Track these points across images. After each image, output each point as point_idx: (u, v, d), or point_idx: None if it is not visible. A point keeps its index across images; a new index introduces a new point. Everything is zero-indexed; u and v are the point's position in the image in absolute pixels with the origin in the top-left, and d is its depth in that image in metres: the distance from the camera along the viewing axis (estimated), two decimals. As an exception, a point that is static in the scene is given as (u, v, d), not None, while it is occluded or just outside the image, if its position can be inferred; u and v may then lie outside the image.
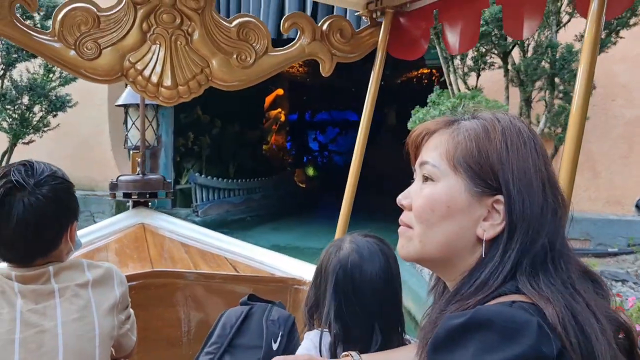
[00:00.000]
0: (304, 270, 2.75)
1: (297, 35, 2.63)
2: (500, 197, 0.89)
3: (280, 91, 21.79)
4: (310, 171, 23.17)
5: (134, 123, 3.19)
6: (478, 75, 6.42)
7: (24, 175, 1.40)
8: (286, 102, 23.02)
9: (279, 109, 22.51)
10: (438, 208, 0.93)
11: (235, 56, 2.50)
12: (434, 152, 0.96)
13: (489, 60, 7.38)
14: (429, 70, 20.04)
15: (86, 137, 12.54)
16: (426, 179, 0.96)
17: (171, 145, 14.27)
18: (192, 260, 2.71)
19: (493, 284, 0.86)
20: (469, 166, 0.91)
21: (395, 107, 24.64)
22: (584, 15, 1.79)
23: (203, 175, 14.57)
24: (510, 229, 0.88)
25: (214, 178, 14.89)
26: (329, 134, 28.07)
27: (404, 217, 0.99)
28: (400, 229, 1.00)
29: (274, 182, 17.30)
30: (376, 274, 1.50)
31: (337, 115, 26.97)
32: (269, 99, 21.28)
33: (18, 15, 2.26)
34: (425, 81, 20.93)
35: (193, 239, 2.91)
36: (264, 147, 21.13)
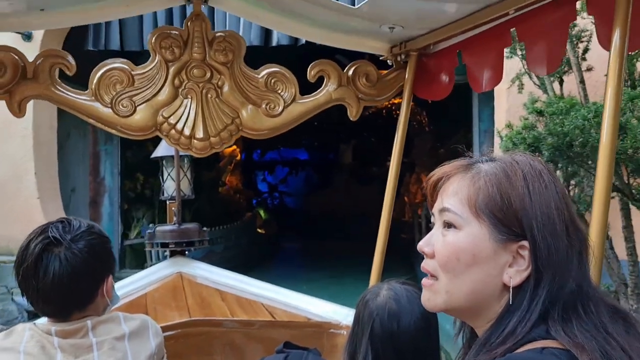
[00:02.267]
0: (340, 314, 2.73)
1: (324, 82, 2.69)
2: (525, 243, 0.89)
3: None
4: (263, 214, 21.10)
5: (169, 174, 3.29)
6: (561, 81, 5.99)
7: (61, 232, 1.46)
8: (240, 138, 23.21)
9: (234, 146, 20.11)
10: (463, 257, 0.92)
11: (264, 106, 2.56)
12: (454, 198, 0.95)
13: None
14: (389, 104, 19.40)
15: (3, 181, 9.15)
16: (448, 225, 0.95)
17: (117, 189, 11.43)
18: (229, 308, 2.73)
19: (522, 331, 0.85)
20: (492, 213, 0.90)
21: (352, 144, 24.19)
22: (606, 47, 1.79)
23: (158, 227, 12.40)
24: (537, 274, 0.88)
25: None
26: (278, 174, 26.58)
27: (427, 266, 0.98)
28: (425, 281, 0.99)
29: (235, 230, 15.24)
30: (414, 324, 1.47)
31: (286, 154, 25.75)
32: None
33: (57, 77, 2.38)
34: (396, 112, 20.26)
35: (229, 286, 2.94)
36: (220, 189, 19.02)
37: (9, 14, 2.26)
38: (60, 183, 9.89)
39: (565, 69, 5.34)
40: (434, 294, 0.97)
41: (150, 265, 10.66)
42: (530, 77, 5.58)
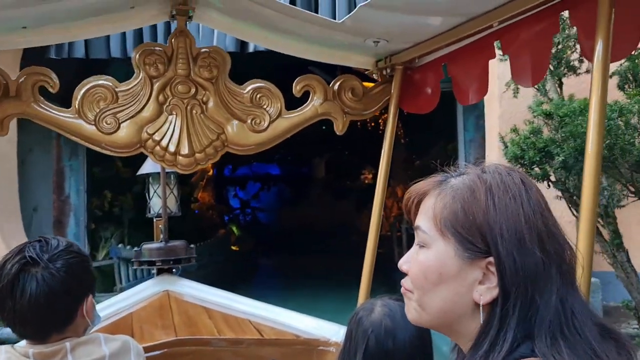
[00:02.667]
0: (329, 331, 2.70)
1: (310, 97, 2.68)
2: (492, 259, 0.85)
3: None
4: (236, 231, 20.42)
5: (155, 191, 3.26)
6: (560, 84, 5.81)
7: (38, 251, 1.43)
8: None
9: None
10: (430, 275, 0.91)
11: (249, 121, 2.55)
12: (424, 216, 0.94)
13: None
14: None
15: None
16: (421, 244, 0.94)
17: (83, 207, 10.58)
18: (216, 326, 2.69)
19: (501, 350, 0.82)
20: (456, 230, 0.88)
21: (326, 158, 24.11)
22: (589, 58, 1.79)
23: (128, 247, 10.74)
24: (504, 290, 0.84)
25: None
26: (250, 189, 26.17)
27: (404, 282, 0.98)
28: (402, 290, 0.99)
29: (209, 247, 14.56)
30: (409, 341, 1.44)
31: (258, 169, 25.36)
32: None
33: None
34: (370, 125, 19.98)
35: (216, 304, 2.89)
36: (192, 205, 17.93)
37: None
38: (20, 202, 9.36)
39: (565, 71, 5.22)
40: (411, 308, 0.97)
41: (120, 288, 9.53)
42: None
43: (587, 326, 0.84)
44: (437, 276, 0.90)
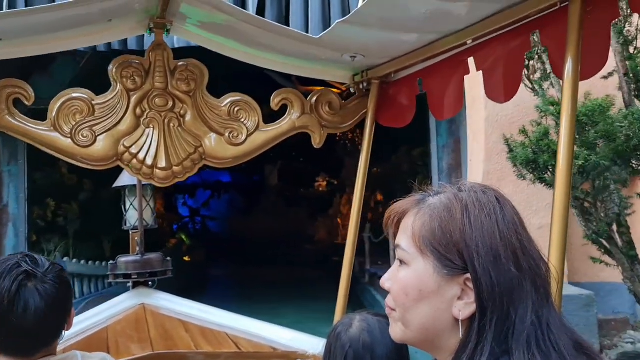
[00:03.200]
0: (306, 343, 2.71)
1: (287, 110, 2.71)
2: (469, 275, 0.88)
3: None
4: (185, 240, 19.17)
5: (132, 204, 3.24)
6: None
7: (31, 265, 1.42)
8: None
9: None
10: (411, 292, 0.93)
11: (227, 134, 2.56)
12: (404, 235, 0.97)
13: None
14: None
15: None
16: (400, 262, 0.97)
17: (23, 217, 9.31)
18: (193, 340, 2.67)
19: None
20: (434, 247, 0.91)
21: (279, 165, 23.54)
22: (559, 76, 1.85)
23: (74, 260, 9.93)
24: (481, 307, 0.87)
25: (89, 262, 9.98)
26: (200, 197, 25.14)
27: (387, 300, 1.00)
28: (387, 310, 1.01)
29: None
30: (387, 357, 1.46)
31: (208, 177, 24.16)
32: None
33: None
34: None
35: (193, 317, 2.88)
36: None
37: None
38: (-49, 211, 8.36)
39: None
40: (394, 326, 0.99)
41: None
42: (523, 81, 4.78)
43: (562, 340, 0.86)
44: (418, 293, 0.92)
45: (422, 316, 0.93)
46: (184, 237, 19.46)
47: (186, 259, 17.22)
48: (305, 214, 22.39)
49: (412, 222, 0.96)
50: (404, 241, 0.96)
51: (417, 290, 0.92)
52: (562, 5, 1.84)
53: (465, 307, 0.89)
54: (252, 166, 23.31)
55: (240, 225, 22.72)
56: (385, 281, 1.00)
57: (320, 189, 23.20)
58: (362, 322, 1.52)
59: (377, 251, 11.82)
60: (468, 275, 0.88)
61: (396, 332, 0.99)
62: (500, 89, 2.24)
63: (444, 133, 8.49)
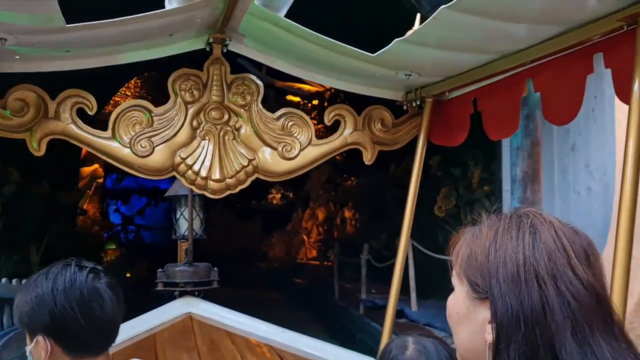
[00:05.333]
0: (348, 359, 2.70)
1: (340, 126, 2.72)
2: None
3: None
4: (115, 251, 16.66)
5: (182, 214, 3.30)
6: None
7: (90, 264, 1.45)
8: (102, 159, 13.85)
9: (96, 165, 15.78)
10: (452, 315, 0.98)
11: (280, 148, 2.59)
12: (455, 263, 1.00)
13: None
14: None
15: None
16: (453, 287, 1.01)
17: None
18: (238, 351, 2.69)
19: None
20: (465, 272, 0.94)
21: None
22: (625, 100, 1.81)
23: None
24: (497, 330, 0.86)
25: (14, 281, 6.88)
26: (134, 204, 22.47)
27: None
28: None
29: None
30: None
31: (144, 181, 21.24)
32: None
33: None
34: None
35: (239, 328, 2.90)
36: (78, 219, 14.30)
37: (37, 56, 2.31)
38: None
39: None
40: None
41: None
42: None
43: None
44: (456, 316, 0.96)
45: (462, 339, 0.96)
46: (112, 246, 16.87)
47: (128, 275, 14.63)
48: (257, 229, 20.05)
49: (457, 249, 0.99)
50: (454, 268, 1.00)
51: (455, 313, 0.96)
52: (629, 28, 1.80)
53: (492, 331, 0.89)
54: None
55: None
56: None
57: (274, 201, 20.79)
58: (418, 344, 1.50)
59: (376, 277, 9.64)
60: None
61: (457, 355, 1.01)
62: (560, 112, 2.20)
63: (519, 132, 6.25)
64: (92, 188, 16.04)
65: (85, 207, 15.17)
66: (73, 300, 1.36)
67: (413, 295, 8.31)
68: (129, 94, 18.81)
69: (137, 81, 19.05)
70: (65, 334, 1.38)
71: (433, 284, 8.58)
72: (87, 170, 15.51)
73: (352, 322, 9.74)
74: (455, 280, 0.98)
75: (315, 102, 15.90)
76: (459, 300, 0.95)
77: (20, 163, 8.69)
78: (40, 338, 1.38)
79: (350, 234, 15.53)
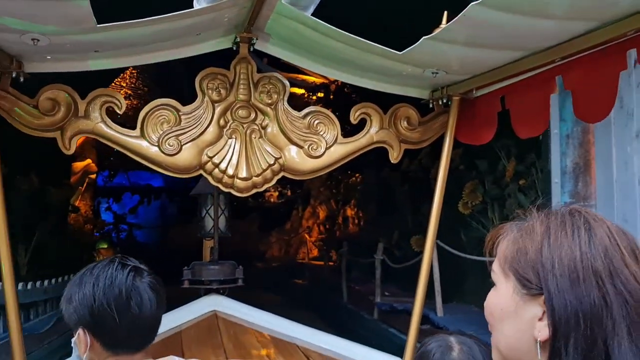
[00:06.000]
0: (376, 359, 2.69)
1: (366, 124, 2.72)
2: None
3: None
4: (108, 250, 15.62)
5: (207, 212, 3.32)
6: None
7: (134, 263, 1.47)
8: (94, 150, 14.69)
9: (89, 160, 14.84)
10: (495, 312, 0.95)
11: (306, 147, 2.59)
12: (496, 259, 0.98)
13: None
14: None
15: None
16: (493, 283, 0.98)
17: None
18: (265, 349, 2.70)
19: None
20: (514, 268, 0.92)
21: None
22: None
23: None
24: (554, 328, 0.85)
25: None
26: (126, 202, 21.97)
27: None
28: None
29: None
30: None
31: (136, 179, 21.58)
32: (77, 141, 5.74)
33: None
34: None
35: (264, 327, 2.91)
36: (69, 216, 13.40)
37: (67, 56, 2.34)
38: None
39: None
40: (492, 348, 1.00)
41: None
42: None
43: None
44: (500, 312, 0.94)
45: (505, 336, 0.94)
46: (106, 246, 16.11)
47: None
48: (254, 228, 19.38)
49: (503, 244, 0.97)
50: (495, 264, 0.98)
51: (499, 309, 0.94)
52: (665, 23, 1.77)
53: (544, 329, 0.87)
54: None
55: (175, 237, 18.98)
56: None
57: (272, 199, 20.26)
58: (462, 344, 1.45)
59: (389, 278, 9.37)
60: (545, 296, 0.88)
61: (494, 354, 0.99)
62: (591, 110, 2.17)
63: (568, 117, 5.44)
64: (85, 184, 15.01)
65: (77, 204, 14.41)
66: (111, 298, 1.39)
67: (438, 299, 7.65)
68: (124, 84, 18.32)
69: (133, 71, 18.79)
70: (102, 331, 1.41)
71: (456, 285, 8.21)
72: (79, 165, 14.48)
73: (365, 328, 8.91)
74: (497, 277, 0.96)
75: (320, 94, 15.47)
76: (504, 297, 0.93)
77: (6, 153, 7.40)
78: (81, 332, 1.42)
79: (357, 233, 14.89)
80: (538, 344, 0.87)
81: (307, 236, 17.34)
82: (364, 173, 14.33)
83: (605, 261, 0.86)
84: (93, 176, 15.65)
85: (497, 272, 0.96)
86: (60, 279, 8.63)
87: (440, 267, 7.74)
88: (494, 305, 0.95)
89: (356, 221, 15.55)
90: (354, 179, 15.74)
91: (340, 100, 12.91)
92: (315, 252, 16.93)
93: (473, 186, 8.17)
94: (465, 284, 8.14)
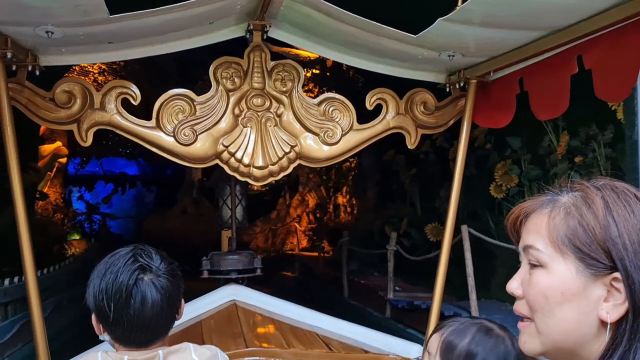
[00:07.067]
0: (397, 347, 2.67)
1: (382, 110, 2.69)
2: (618, 275, 0.83)
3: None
4: (80, 242, 14.32)
5: (224, 202, 3.32)
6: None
7: (145, 259, 1.46)
8: (64, 133, 12.58)
9: (59, 142, 13.18)
10: (551, 295, 0.88)
11: (322, 134, 2.57)
12: (536, 235, 0.91)
13: None
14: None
15: None
16: (534, 264, 0.91)
17: None
18: (284, 338, 2.69)
19: None
20: (576, 247, 0.86)
21: None
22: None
23: None
24: (634, 306, 0.81)
25: None
26: (100, 191, 20.79)
27: (518, 307, 0.94)
28: (520, 324, 0.94)
29: (66, 274, 8.83)
30: None
31: (110, 167, 20.67)
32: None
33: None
34: None
35: (284, 316, 2.90)
36: (36, 204, 12.00)
37: (82, 48, 2.35)
38: None
39: None
40: (530, 337, 0.92)
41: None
42: None
43: None
44: (560, 295, 0.87)
45: (564, 320, 0.87)
46: (78, 237, 14.84)
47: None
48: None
49: (545, 221, 0.90)
50: (537, 241, 0.90)
51: (558, 292, 0.87)
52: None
53: (614, 309, 0.83)
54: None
55: (152, 229, 17.72)
56: (517, 288, 0.94)
57: (254, 187, 17.41)
58: (505, 330, 1.35)
59: (400, 272, 8.09)
60: (615, 275, 0.83)
61: (535, 344, 0.92)
62: (612, 89, 2.12)
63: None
64: (54, 169, 13.35)
65: (45, 190, 13.02)
66: (112, 295, 1.40)
67: (473, 296, 6.27)
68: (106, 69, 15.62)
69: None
70: (107, 324, 1.44)
71: (485, 279, 6.96)
72: (47, 148, 12.71)
73: (376, 327, 6.12)
74: (547, 257, 0.88)
75: (316, 70, 13.50)
76: (564, 278, 0.86)
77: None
78: (93, 317, 1.46)
79: (354, 222, 13.65)
80: (608, 325, 0.83)
81: (297, 225, 16.25)
82: (363, 157, 12.89)
83: None
84: (63, 160, 13.97)
85: (545, 251, 0.89)
86: (24, 278, 6.39)
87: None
88: (549, 289, 0.88)
89: (353, 210, 14.28)
90: (347, 163, 14.12)
91: (338, 76, 11.97)
92: (305, 243, 15.79)
93: (506, 166, 7.06)
94: (496, 278, 7.15)
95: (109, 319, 1.42)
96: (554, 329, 0.88)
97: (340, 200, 14.84)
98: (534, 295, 0.90)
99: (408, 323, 7.04)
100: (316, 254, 13.49)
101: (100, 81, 12.79)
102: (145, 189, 21.82)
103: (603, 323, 0.84)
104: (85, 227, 17.75)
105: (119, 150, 19.02)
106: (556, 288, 0.87)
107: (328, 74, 12.67)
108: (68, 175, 16.46)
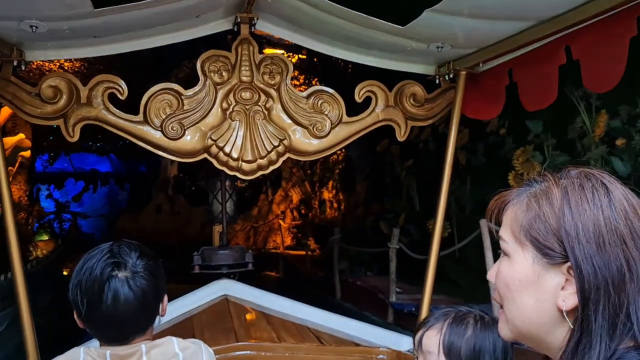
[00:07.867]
0: (388, 340, 2.66)
1: (371, 102, 2.67)
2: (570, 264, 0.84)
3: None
4: (48, 243, 13.38)
5: (214, 197, 3.30)
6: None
7: (122, 255, 1.45)
8: (28, 125, 11.64)
9: (22, 135, 12.02)
10: (511, 283, 0.91)
11: (311, 127, 2.55)
12: (505, 226, 0.94)
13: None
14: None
15: None
16: (503, 254, 0.94)
17: None
18: (275, 332, 2.69)
19: (598, 356, 0.80)
20: (534, 237, 0.87)
21: None
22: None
23: None
24: (583, 295, 0.82)
25: None
26: (70, 189, 20.11)
27: (495, 295, 0.97)
28: (499, 311, 0.97)
29: (34, 278, 8.12)
30: None
31: (80, 163, 19.99)
32: (4, 114, 8.43)
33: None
34: None
35: (275, 310, 2.90)
36: None
37: (67, 43, 2.32)
38: None
39: None
40: (502, 323, 0.96)
41: None
42: None
43: None
44: (517, 284, 0.89)
45: (524, 307, 0.89)
46: (46, 238, 14.16)
47: (65, 272, 11.32)
48: None
49: (512, 212, 0.93)
50: (504, 232, 0.93)
51: (516, 280, 0.89)
52: (676, -15, 1.71)
53: (569, 297, 0.84)
54: (141, 153, 11.55)
55: (125, 227, 16.88)
56: (491, 277, 0.97)
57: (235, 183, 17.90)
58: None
59: (401, 272, 7.35)
60: (569, 264, 0.84)
61: (504, 329, 0.96)
62: (600, 79, 2.11)
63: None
64: (16, 164, 12.16)
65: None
66: (85, 290, 1.41)
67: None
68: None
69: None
70: (82, 319, 1.45)
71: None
72: (9, 140, 11.36)
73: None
74: (510, 246, 0.91)
75: (302, 55, 12.79)
76: (521, 267, 0.89)
77: None
78: (75, 312, 1.47)
79: (347, 217, 12.84)
80: (564, 313, 0.85)
81: (281, 222, 15.68)
82: (351, 148, 12.14)
83: (627, 224, 0.84)
84: (27, 154, 12.74)
85: (509, 241, 0.91)
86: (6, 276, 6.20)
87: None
88: (509, 277, 0.91)
89: (340, 205, 13.60)
90: (334, 156, 13.30)
91: (325, 63, 11.35)
92: (289, 241, 15.28)
93: (527, 153, 6.43)
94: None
95: (82, 314, 1.42)
96: (516, 316, 0.91)
97: (327, 195, 14.25)
98: (498, 283, 0.94)
99: (413, 329, 6.29)
100: (303, 252, 13.03)
101: (66, 67, 11.94)
102: (118, 187, 21.25)
103: (562, 311, 0.85)
104: (54, 226, 17.17)
105: (89, 145, 18.39)
106: (515, 277, 0.90)
107: (315, 59, 12.24)
108: (35, 172, 15.46)
